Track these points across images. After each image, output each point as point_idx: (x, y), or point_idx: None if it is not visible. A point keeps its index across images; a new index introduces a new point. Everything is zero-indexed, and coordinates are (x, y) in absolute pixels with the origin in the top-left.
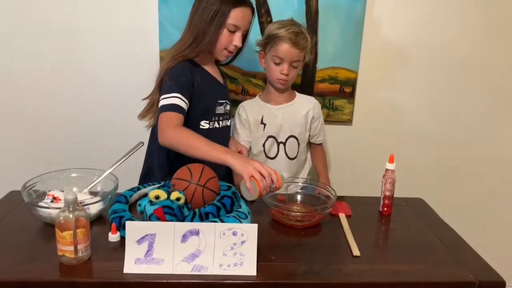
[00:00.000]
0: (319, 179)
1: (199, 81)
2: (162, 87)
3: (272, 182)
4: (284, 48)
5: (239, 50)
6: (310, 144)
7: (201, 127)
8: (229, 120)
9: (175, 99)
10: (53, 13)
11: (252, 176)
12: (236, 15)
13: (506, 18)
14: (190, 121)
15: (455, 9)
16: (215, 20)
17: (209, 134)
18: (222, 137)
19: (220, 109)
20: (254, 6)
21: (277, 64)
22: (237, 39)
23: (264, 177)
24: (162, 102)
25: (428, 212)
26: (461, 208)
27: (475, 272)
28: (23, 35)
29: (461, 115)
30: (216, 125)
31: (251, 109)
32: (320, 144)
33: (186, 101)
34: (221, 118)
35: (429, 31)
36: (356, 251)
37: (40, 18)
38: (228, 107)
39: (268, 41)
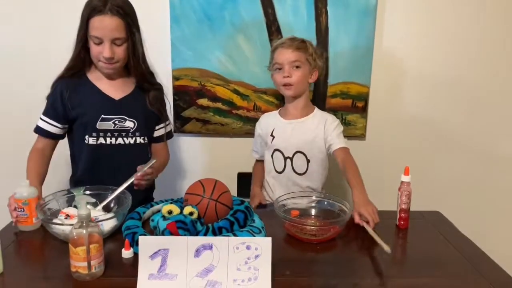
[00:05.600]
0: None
1: (74, 97)
2: None
3: None
4: (280, 52)
5: (136, 61)
6: (335, 156)
7: (85, 141)
8: (131, 138)
9: (42, 122)
10: None
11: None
12: (93, 26)
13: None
14: (77, 135)
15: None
16: (80, 34)
17: (98, 149)
18: (116, 154)
19: (105, 125)
20: (264, 25)
21: (279, 70)
22: (105, 51)
23: None
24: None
25: (446, 225)
26: (478, 219)
27: (496, 283)
28: None
29: (476, 124)
30: (102, 141)
31: (266, 121)
32: (343, 151)
33: (53, 121)
34: (108, 134)
35: (434, 43)
36: (386, 247)
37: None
38: (126, 124)
39: (271, 55)
